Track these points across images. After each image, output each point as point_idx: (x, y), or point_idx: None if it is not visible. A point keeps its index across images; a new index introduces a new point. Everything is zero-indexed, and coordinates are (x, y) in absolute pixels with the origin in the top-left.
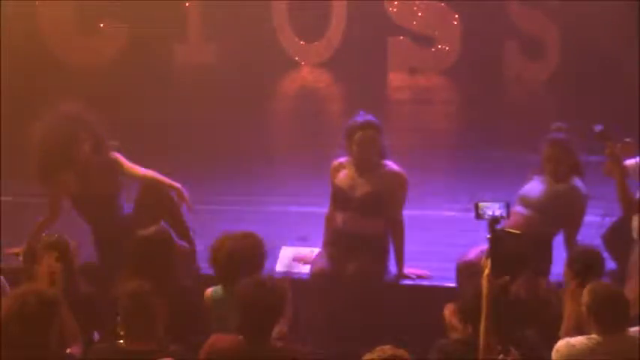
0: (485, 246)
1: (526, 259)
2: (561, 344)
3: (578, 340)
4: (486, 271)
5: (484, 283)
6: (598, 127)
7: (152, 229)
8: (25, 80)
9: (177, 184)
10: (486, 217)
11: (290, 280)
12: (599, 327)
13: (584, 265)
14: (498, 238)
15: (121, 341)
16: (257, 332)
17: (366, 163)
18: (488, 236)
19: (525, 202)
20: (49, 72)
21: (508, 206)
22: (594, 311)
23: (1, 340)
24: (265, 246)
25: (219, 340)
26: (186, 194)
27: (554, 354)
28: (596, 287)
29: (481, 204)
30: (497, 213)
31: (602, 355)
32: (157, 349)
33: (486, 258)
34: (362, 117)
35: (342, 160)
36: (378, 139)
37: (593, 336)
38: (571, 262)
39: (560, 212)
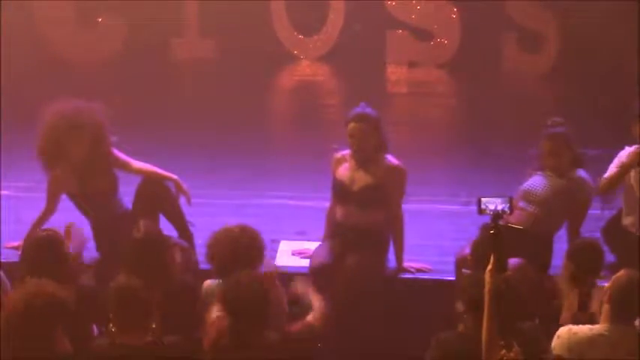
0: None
1: (528, 254)
2: (563, 330)
3: (580, 329)
4: (489, 267)
5: (487, 278)
6: None
7: (143, 229)
8: (25, 76)
9: (175, 176)
10: (489, 212)
11: (276, 274)
12: (613, 315)
13: (584, 257)
14: (501, 234)
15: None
16: (245, 329)
17: (361, 155)
18: (492, 231)
19: (529, 197)
20: (48, 67)
21: (511, 201)
22: (614, 297)
23: (6, 336)
24: (262, 239)
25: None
26: (184, 186)
27: (555, 339)
28: (624, 274)
29: (484, 199)
30: (500, 208)
31: (604, 344)
32: (152, 342)
33: (472, 253)
34: (360, 109)
35: (344, 153)
36: (370, 131)
37: (597, 326)
38: (571, 255)
39: (564, 206)
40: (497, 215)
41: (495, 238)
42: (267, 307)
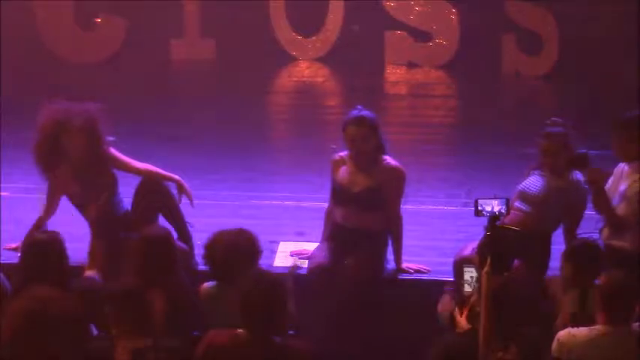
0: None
1: (524, 255)
2: (562, 334)
3: (579, 331)
4: (485, 268)
5: (483, 280)
6: (581, 151)
7: (153, 229)
8: (23, 76)
9: (176, 176)
10: (485, 213)
11: (292, 276)
12: (608, 317)
13: (582, 257)
14: (498, 235)
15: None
16: (259, 328)
17: (361, 159)
18: (488, 233)
19: (525, 198)
20: (47, 68)
21: (508, 203)
22: (606, 300)
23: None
24: (259, 242)
25: (217, 336)
26: (185, 186)
27: (554, 343)
28: (612, 276)
29: (481, 200)
30: (497, 210)
31: (602, 347)
32: (152, 345)
33: (478, 253)
34: (356, 112)
35: (343, 154)
36: (369, 134)
37: (596, 327)
38: (569, 255)
39: (560, 206)
40: (494, 217)
41: (492, 239)
42: (284, 311)
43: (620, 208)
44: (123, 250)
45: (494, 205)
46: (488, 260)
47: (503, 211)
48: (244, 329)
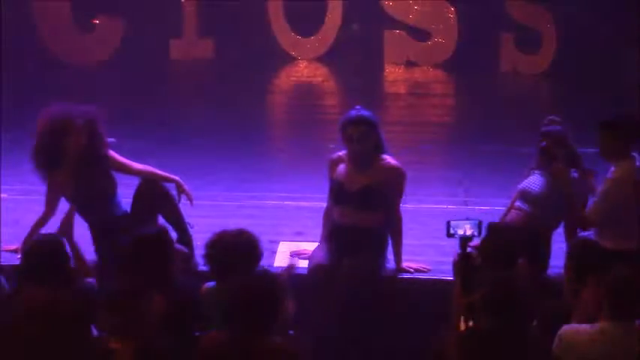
0: (478, 241)
1: (525, 254)
2: (564, 331)
3: (581, 327)
4: (456, 290)
5: (454, 301)
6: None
7: (151, 228)
8: (22, 77)
9: (176, 177)
10: (456, 236)
11: (288, 275)
12: (611, 313)
13: (584, 256)
14: (468, 259)
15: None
16: (249, 329)
17: (360, 158)
18: (459, 253)
19: (526, 197)
20: (45, 69)
21: (480, 225)
22: (609, 297)
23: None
24: (260, 243)
25: (218, 336)
26: (185, 186)
27: (556, 340)
28: (616, 273)
29: (453, 222)
30: (469, 233)
31: (605, 344)
32: (150, 346)
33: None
34: (356, 111)
35: (341, 153)
36: (369, 134)
37: (599, 324)
38: (571, 254)
39: (560, 205)
40: (465, 240)
41: (462, 263)
42: (278, 310)
43: (589, 206)
44: (121, 252)
45: (466, 229)
46: (458, 282)
47: (475, 233)
48: (235, 328)
